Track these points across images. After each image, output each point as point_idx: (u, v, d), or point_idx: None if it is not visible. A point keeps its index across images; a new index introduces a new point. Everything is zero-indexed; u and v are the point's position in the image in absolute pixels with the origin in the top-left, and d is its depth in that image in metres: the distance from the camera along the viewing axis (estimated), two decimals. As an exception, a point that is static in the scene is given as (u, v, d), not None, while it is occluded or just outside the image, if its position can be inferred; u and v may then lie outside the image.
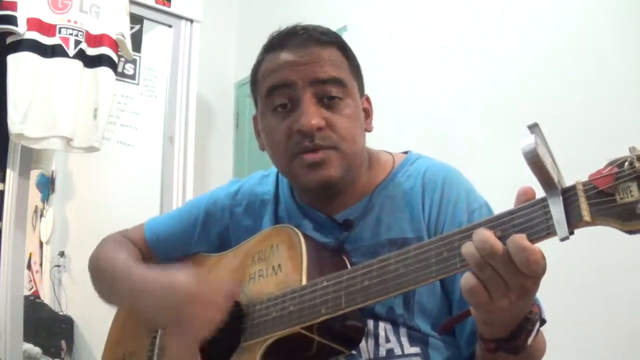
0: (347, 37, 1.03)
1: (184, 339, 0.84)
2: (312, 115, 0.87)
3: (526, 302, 0.68)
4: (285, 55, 0.91)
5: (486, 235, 0.63)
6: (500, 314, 0.67)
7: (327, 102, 0.90)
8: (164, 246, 1.10)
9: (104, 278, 1.01)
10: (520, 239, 0.61)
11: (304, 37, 0.92)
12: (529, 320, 0.70)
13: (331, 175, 0.90)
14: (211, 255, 1.05)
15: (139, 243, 1.11)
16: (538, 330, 0.73)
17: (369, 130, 0.98)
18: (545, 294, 0.76)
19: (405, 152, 1.04)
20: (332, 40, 0.94)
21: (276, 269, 0.88)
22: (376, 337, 0.88)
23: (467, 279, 0.65)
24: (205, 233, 1.07)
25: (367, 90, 1.03)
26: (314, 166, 0.89)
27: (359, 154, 0.94)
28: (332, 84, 0.90)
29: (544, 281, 0.66)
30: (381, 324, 0.89)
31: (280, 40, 0.94)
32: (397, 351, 0.87)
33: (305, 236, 0.89)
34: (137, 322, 1.04)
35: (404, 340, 0.88)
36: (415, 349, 0.88)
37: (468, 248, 0.65)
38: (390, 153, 1.04)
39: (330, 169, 0.90)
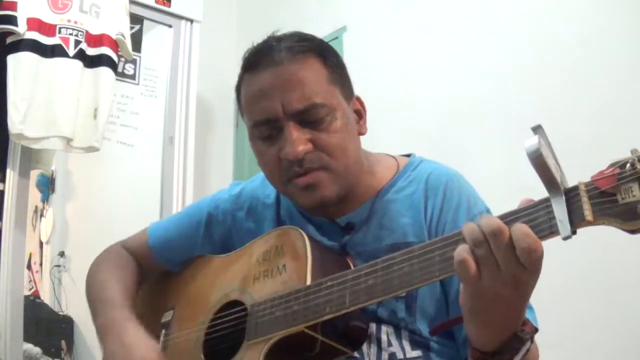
0: (347, 38, 1.03)
1: None
2: (297, 143, 0.87)
3: (514, 305, 0.67)
4: (261, 79, 0.90)
5: (494, 217, 0.65)
6: (487, 303, 0.66)
7: (311, 124, 0.89)
8: (167, 251, 1.10)
9: (91, 297, 1.07)
10: (526, 227, 0.62)
11: (277, 54, 0.89)
12: (518, 337, 0.69)
13: (325, 196, 0.90)
14: (215, 256, 1.05)
15: (142, 249, 1.11)
16: (529, 350, 0.71)
17: (362, 133, 0.97)
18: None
19: (408, 155, 1.03)
20: (308, 48, 0.91)
21: (280, 269, 0.88)
22: (378, 341, 0.89)
23: (461, 250, 0.64)
24: (209, 237, 1.08)
25: (367, 91, 1.02)
26: (307, 188, 0.90)
27: (353, 164, 0.93)
28: (311, 110, 0.88)
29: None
30: (383, 328, 0.89)
31: (255, 59, 0.92)
32: (399, 355, 0.88)
33: (310, 237, 0.89)
34: (141, 322, 1.04)
35: (406, 344, 0.89)
36: (417, 353, 0.88)
37: (469, 225, 0.65)
38: (393, 157, 1.03)
39: (324, 190, 0.90)
